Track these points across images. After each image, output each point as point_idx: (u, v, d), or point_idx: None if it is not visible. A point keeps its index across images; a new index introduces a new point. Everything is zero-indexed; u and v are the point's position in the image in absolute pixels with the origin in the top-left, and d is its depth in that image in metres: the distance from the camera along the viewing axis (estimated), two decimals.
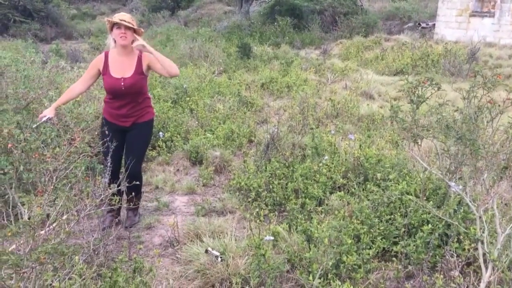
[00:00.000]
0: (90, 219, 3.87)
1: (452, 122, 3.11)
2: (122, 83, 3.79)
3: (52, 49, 13.12)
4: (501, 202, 3.84)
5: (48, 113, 3.72)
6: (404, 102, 4.81)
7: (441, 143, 3.21)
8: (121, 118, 3.91)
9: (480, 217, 2.89)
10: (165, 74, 3.92)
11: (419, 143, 3.17)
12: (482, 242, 2.82)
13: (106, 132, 3.69)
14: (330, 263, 2.94)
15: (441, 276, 2.77)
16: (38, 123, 3.73)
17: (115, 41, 3.80)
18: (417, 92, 3.07)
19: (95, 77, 3.92)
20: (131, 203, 4.11)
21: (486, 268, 2.75)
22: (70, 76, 7.41)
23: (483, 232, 2.85)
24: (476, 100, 2.99)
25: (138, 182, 3.86)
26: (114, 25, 3.71)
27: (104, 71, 3.83)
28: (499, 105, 2.92)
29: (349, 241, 3.12)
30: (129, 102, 3.88)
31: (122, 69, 3.81)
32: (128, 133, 3.97)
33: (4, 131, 2.77)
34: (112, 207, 3.41)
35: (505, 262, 2.68)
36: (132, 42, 3.75)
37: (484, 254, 2.80)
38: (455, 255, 2.99)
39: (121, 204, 3.97)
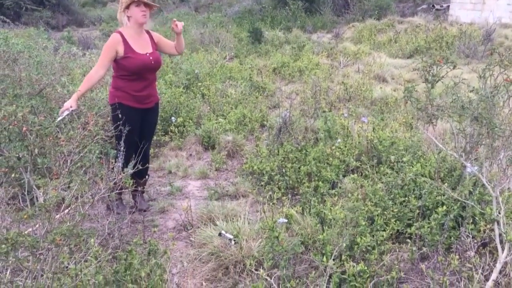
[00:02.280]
0: (104, 203, 3.90)
1: (467, 102, 3.06)
2: (151, 58, 3.75)
3: (64, 37, 13.17)
4: None
5: (71, 105, 3.56)
6: (418, 83, 4.75)
7: (456, 123, 3.16)
8: (144, 100, 3.84)
9: (496, 198, 2.85)
10: (174, 52, 4.01)
11: (434, 124, 3.12)
12: (498, 223, 2.79)
13: (122, 117, 3.59)
14: (344, 245, 2.93)
15: (457, 257, 2.74)
16: (61, 117, 3.55)
17: (128, 20, 3.69)
18: (432, 71, 3.02)
19: (112, 60, 3.70)
20: (144, 187, 4.14)
21: (503, 248, 2.72)
22: (82, 63, 7.44)
23: (499, 213, 2.81)
24: (492, 79, 2.93)
25: (148, 164, 3.90)
26: (132, 2, 3.61)
27: (127, 51, 3.67)
28: None
29: (363, 223, 3.11)
30: (151, 81, 3.88)
31: (143, 45, 3.77)
32: (149, 114, 3.95)
33: (19, 114, 2.78)
34: (123, 190, 3.43)
35: None
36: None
37: (500, 235, 2.77)
38: (470, 236, 2.96)
39: (137, 187, 3.99)
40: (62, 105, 3.69)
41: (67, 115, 3.57)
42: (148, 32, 3.87)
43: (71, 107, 3.56)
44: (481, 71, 2.95)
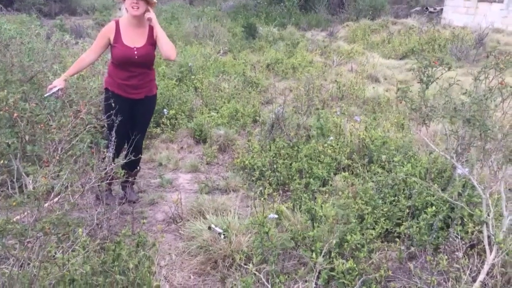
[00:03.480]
0: (94, 193, 3.87)
1: (460, 104, 3.08)
2: (136, 52, 3.71)
3: (56, 24, 13.00)
4: (506, 187, 3.82)
5: (58, 83, 3.61)
6: (411, 84, 4.80)
7: (449, 125, 3.18)
8: (131, 90, 3.81)
9: (486, 200, 2.87)
10: (161, 53, 3.86)
11: (428, 124, 3.13)
12: (487, 225, 2.81)
13: (113, 105, 3.59)
14: (334, 242, 2.93)
15: (445, 257, 2.76)
16: (48, 94, 3.59)
17: (127, 11, 3.70)
18: (427, 72, 3.03)
19: (105, 47, 3.77)
20: (134, 178, 4.11)
21: (491, 250, 2.74)
22: (74, 51, 7.36)
23: (488, 215, 2.83)
24: (486, 82, 2.95)
25: (141, 156, 3.88)
26: None
27: (116, 40, 3.71)
28: (511, 87, 2.87)
29: (353, 221, 3.11)
30: (140, 73, 3.81)
31: (134, 38, 3.74)
32: (139, 105, 3.90)
33: (10, 100, 2.74)
34: (112, 181, 3.41)
35: (510, 245, 2.67)
36: (144, 13, 3.70)
37: (489, 237, 2.79)
38: (458, 237, 2.98)
39: (127, 178, 3.97)
40: None
41: (54, 92, 3.60)
42: (151, 27, 3.81)
43: (56, 87, 3.59)
44: (476, 74, 2.97)
